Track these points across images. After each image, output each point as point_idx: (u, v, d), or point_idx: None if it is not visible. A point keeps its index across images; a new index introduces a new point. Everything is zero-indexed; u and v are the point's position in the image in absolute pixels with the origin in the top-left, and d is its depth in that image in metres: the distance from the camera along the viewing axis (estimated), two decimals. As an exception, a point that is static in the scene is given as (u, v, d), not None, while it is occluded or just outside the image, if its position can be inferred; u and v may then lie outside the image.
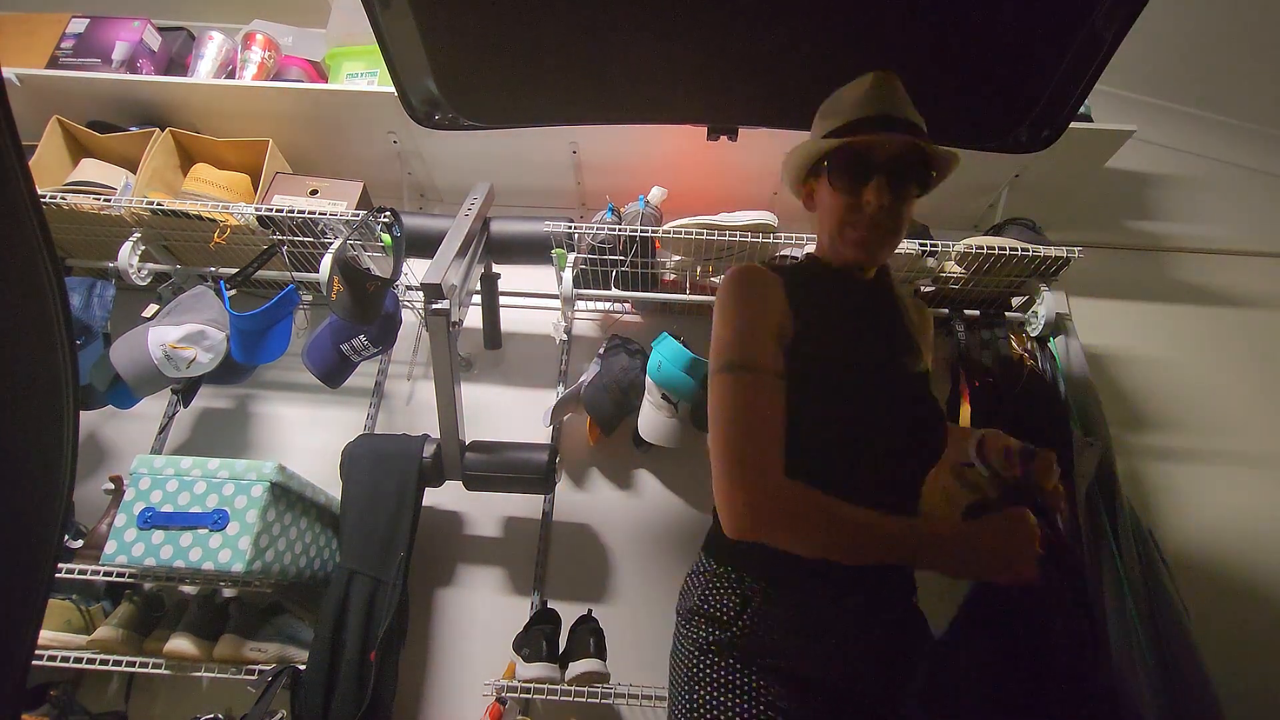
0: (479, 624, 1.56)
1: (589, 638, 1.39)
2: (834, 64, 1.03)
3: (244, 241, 1.66)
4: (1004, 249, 1.53)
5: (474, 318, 1.57)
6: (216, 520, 1.24)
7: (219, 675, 1.36)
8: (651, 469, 1.71)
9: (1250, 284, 1.94)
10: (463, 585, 1.61)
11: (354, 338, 1.50)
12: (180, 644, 1.33)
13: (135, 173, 1.67)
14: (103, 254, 1.68)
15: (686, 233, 1.55)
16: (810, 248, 1.27)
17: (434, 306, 1.28)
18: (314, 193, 1.71)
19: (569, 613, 1.48)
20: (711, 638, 0.82)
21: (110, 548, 1.22)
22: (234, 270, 1.65)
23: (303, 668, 1.33)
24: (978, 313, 1.71)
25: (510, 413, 1.77)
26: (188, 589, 1.53)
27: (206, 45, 1.87)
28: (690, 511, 1.67)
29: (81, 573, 1.41)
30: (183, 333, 1.48)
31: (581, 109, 1.17)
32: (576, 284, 1.66)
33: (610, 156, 1.84)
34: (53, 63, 1.81)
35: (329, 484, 1.49)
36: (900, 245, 1.53)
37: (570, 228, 1.61)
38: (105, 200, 1.58)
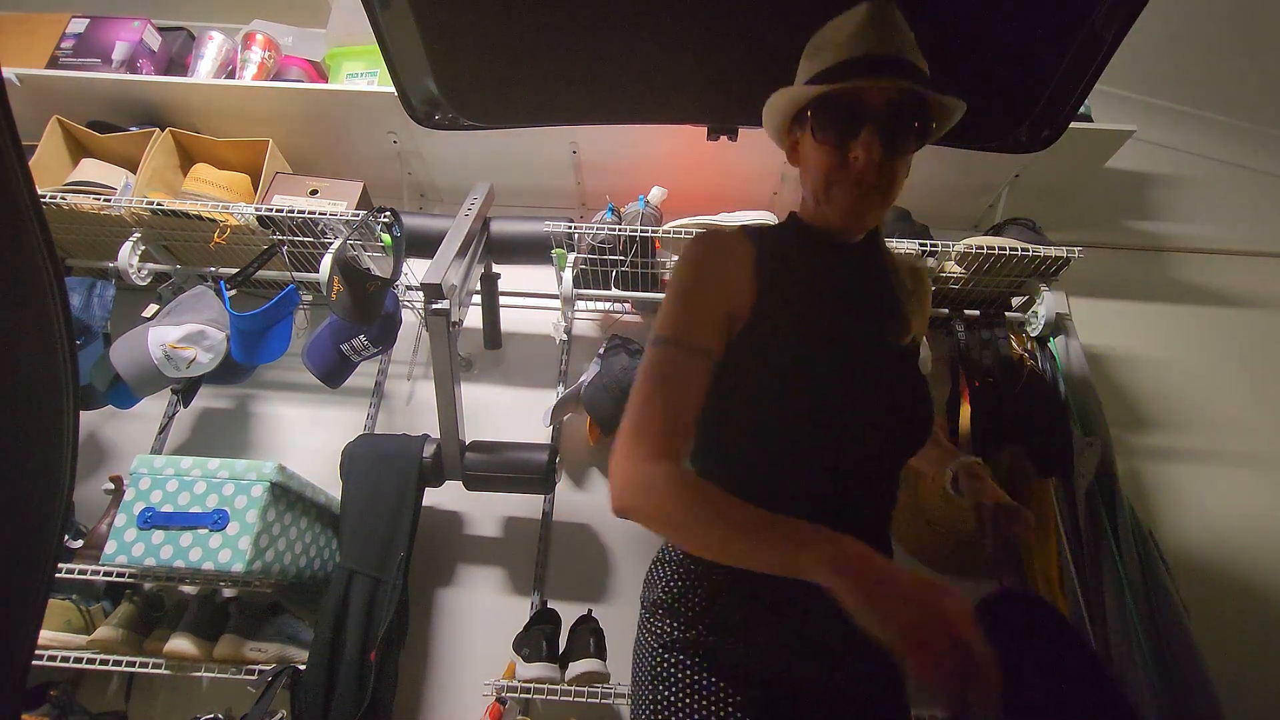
0: (479, 624, 1.56)
1: (589, 638, 1.39)
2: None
3: (244, 241, 1.66)
4: (1004, 249, 1.53)
5: (474, 318, 1.58)
6: (216, 520, 1.24)
7: (219, 675, 1.36)
8: (651, 469, 1.71)
9: (1250, 284, 1.94)
10: (463, 585, 1.61)
11: (354, 338, 1.50)
12: (180, 644, 1.33)
13: (135, 173, 1.67)
14: (103, 254, 1.68)
15: (686, 233, 1.55)
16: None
17: (434, 306, 1.28)
18: (314, 193, 1.71)
19: (569, 613, 1.48)
20: (675, 635, 0.77)
21: (110, 548, 1.22)
22: (234, 270, 1.65)
23: (303, 668, 1.33)
24: (978, 313, 1.71)
25: (510, 413, 1.77)
26: (188, 589, 1.53)
27: (206, 45, 1.87)
28: (690, 511, 1.67)
29: (81, 573, 1.41)
30: (183, 333, 1.48)
31: (581, 109, 1.17)
32: (576, 284, 1.66)
33: (610, 156, 1.84)
34: (53, 63, 1.81)
35: (329, 484, 1.49)
36: (900, 245, 1.54)
37: (570, 228, 1.61)
38: (105, 200, 1.58)
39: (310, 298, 1.86)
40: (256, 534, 1.24)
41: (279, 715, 1.31)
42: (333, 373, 1.52)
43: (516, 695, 1.41)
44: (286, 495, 1.34)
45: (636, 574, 1.61)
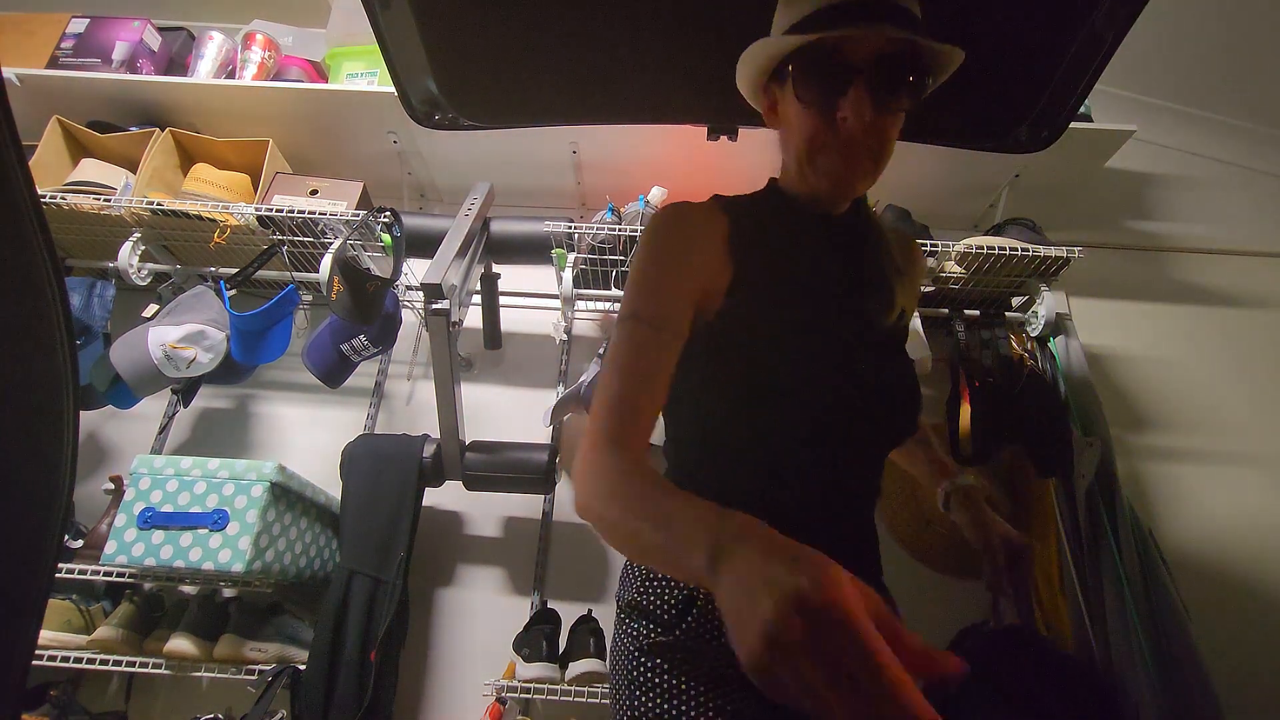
0: (479, 624, 1.56)
1: (589, 638, 1.39)
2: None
3: (244, 241, 1.66)
4: (1004, 249, 1.53)
5: (474, 318, 1.58)
6: (216, 520, 1.24)
7: (219, 675, 1.36)
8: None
9: (1250, 284, 1.94)
10: (463, 585, 1.61)
11: (354, 338, 1.50)
12: (180, 644, 1.33)
13: (135, 173, 1.67)
14: (103, 254, 1.68)
15: (686, 233, 1.55)
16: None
17: (434, 306, 1.28)
18: (314, 193, 1.71)
19: (569, 613, 1.48)
20: (652, 638, 0.72)
21: (110, 548, 1.22)
22: (234, 270, 1.64)
23: (303, 668, 1.33)
24: (978, 313, 1.71)
25: (510, 413, 1.77)
26: (188, 589, 1.53)
27: (206, 45, 1.87)
28: (690, 511, 1.67)
29: (81, 573, 1.41)
30: (183, 333, 1.48)
31: (581, 109, 1.17)
32: (576, 284, 1.66)
33: (610, 156, 1.84)
34: (53, 63, 1.81)
35: (329, 484, 1.49)
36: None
37: (570, 228, 1.61)
38: (105, 200, 1.58)
39: (310, 298, 1.86)
40: (256, 534, 1.24)
41: (279, 715, 1.31)
42: (333, 373, 1.52)
43: (516, 695, 1.41)
44: (286, 495, 1.34)
45: (636, 574, 1.61)
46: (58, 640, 1.37)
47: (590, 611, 1.47)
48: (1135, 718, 1.27)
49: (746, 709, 0.67)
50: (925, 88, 0.71)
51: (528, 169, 1.89)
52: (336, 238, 1.61)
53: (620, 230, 1.59)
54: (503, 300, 1.68)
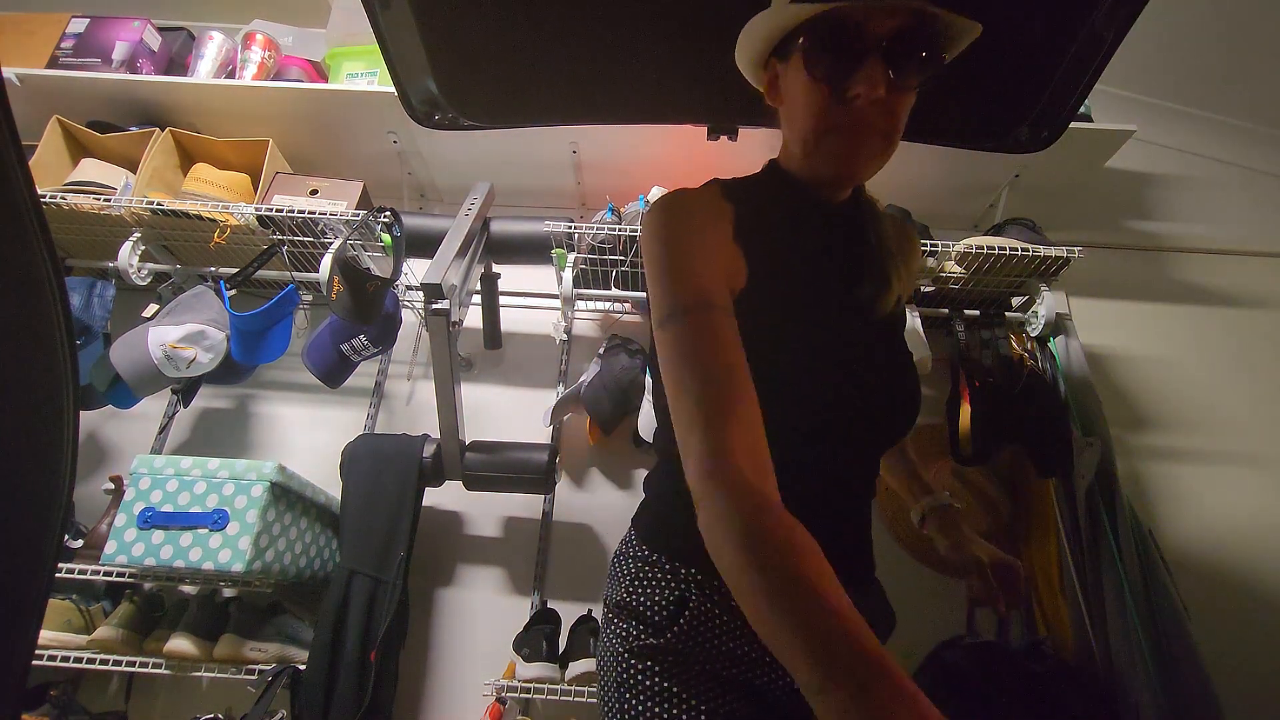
0: (479, 624, 1.56)
1: (589, 638, 1.39)
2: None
3: (244, 241, 1.65)
4: (1004, 249, 1.53)
5: (474, 318, 1.58)
6: (216, 520, 1.24)
7: (219, 675, 1.36)
8: (650, 469, 1.71)
9: (1250, 284, 1.94)
10: (463, 585, 1.61)
11: (354, 338, 1.50)
12: (180, 644, 1.33)
13: (135, 173, 1.67)
14: (103, 254, 1.68)
15: (686, 233, 1.55)
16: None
17: (434, 306, 1.28)
18: (314, 193, 1.71)
19: (569, 613, 1.48)
20: (643, 640, 0.69)
21: (110, 548, 1.22)
22: (234, 270, 1.64)
23: (303, 668, 1.33)
24: (978, 313, 1.71)
25: (510, 413, 1.77)
26: (188, 589, 1.53)
27: (206, 45, 1.87)
28: (690, 511, 1.67)
29: (81, 573, 1.41)
30: (183, 333, 1.48)
31: (581, 109, 1.17)
32: (576, 284, 1.66)
33: (610, 156, 1.84)
34: (53, 63, 1.81)
35: (329, 484, 1.49)
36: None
37: (570, 228, 1.61)
38: (105, 200, 1.58)
39: (310, 298, 1.86)
40: (256, 534, 1.24)
41: (279, 715, 1.31)
42: (333, 373, 1.52)
43: (516, 695, 1.41)
44: (286, 495, 1.34)
45: (636, 574, 1.61)
46: (58, 640, 1.37)
47: (590, 611, 1.47)
48: (1135, 718, 1.27)
49: (738, 713, 0.66)
50: (940, 64, 0.67)
51: (528, 169, 1.89)
52: (336, 238, 1.61)
53: (620, 230, 1.60)
54: (503, 300, 1.68)
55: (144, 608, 1.43)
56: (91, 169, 1.68)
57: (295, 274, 1.65)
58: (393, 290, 1.54)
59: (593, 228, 1.62)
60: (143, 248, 1.64)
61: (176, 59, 1.95)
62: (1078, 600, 1.46)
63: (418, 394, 1.82)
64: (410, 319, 1.78)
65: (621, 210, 1.67)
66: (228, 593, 1.51)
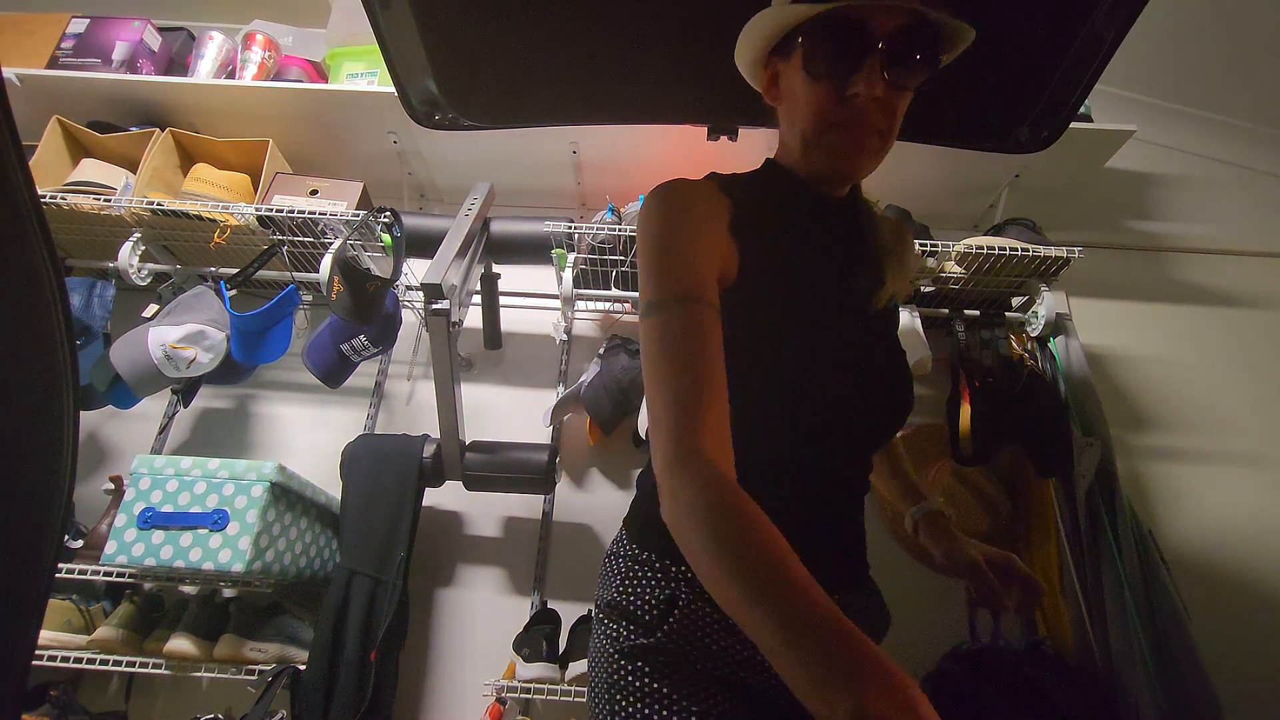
0: (479, 624, 1.56)
1: (589, 638, 1.39)
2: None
3: (244, 241, 1.66)
4: (1004, 249, 1.53)
5: (474, 318, 1.58)
6: (216, 520, 1.24)
7: (219, 675, 1.36)
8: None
9: (1250, 284, 1.94)
10: (463, 585, 1.61)
11: (354, 338, 1.50)
12: (180, 644, 1.33)
13: (135, 173, 1.67)
14: (103, 254, 1.68)
15: (686, 233, 1.55)
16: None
17: (434, 306, 1.28)
18: (314, 193, 1.71)
19: (569, 613, 1.48)
20: (633, 640, 0.68)
21: (110, 548, 1.22)
22: (234, 270, 1.65)
23: (303, 668, 1.33)
24: (978, 313, 1.71)
25: (510, 413, 1.77)
26: (188, 589, 1.53)
27: (206, 45, 1.87)
28: (690, 511, 1.67)
29: (81, 573, 1.41)
30: (183, 333, 1.48)
31: (582, 109, 1.17)
32: (576, 284, 1.66)
33: (610, 156, 1.84)
34: (53, 63, 1.81)
35: (329, 484, 1.49)
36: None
37: (570, 228, 1.61)
38: (105, 200, 1.58)
39: (310, 298, 1.86)
40: (256, 534, 1.24)
41: (279, 715, 1.31)
42: (333, 373, 1.52)
43: (516, 695, 1.41)
44: (286, 495, 1.34)
45: (636, 574, 1.61)
46: (58, 640, 1.37)
47: (590, 611, 1.47)
48: (1135, 718, 1.27)
49: (730, 713, 0.65)
50: (937, 66, 0.69)
51: (528, 169, 1.89)
52: (336, 238, 1.61)
53: (620, 230, 1.60)
54: (503, 300, 1.68)
55: (144, 608, 1.43)
56: (91, 169, 1.68)
57: (295, 274, 1.65)
58: (393, 290, 1.54)
59: (593, 228, 1.62)
60: (143, 248, 1.64)
61: (176, 59, 1.95)
62: (1078, 600, 1.46)
63: (418, 394, 1.82)
64: (410, 319, 1.78)
65: (621, 210, 1.67)
66: (228, 593, 1.51)
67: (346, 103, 1.76)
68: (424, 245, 1.56)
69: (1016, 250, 1.53)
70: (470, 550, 1.64)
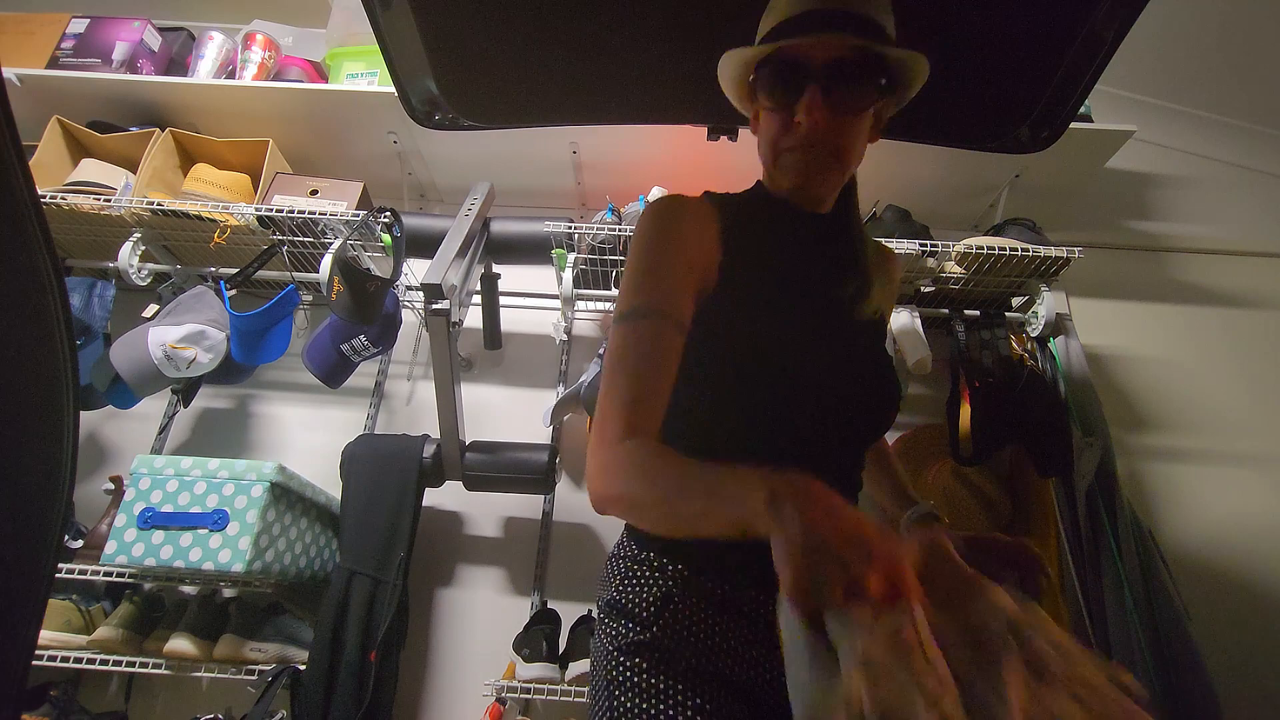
0: (479, 624, 1.56)
1: (589, 638, 1.38)
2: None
3: (244, 241, 1.65)
4: (1004, 249, 1.53)
5: (474, 318, 1.58)
6: (216, 520, 1.24)
7: (219, 675, 1.36)
8: (651, 469, 1.71)
9: (1250, 284, 1.94)
10: (463, 585, 1.61)
11: (354, 338, 1.50)
12: (180, 644, 1.33)
13: (135, 173, 1.67)
14: (103, 254, 1.68)
15: (686, 233, 1.55)
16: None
17: (434, 306, 1.28)
18: (314, 193, 1.71)
19: (569, 613, 1.48)
20: (630, 637, 0.71)
21: (110, 548, 1.22)
22: (234, 270, 1.64)
23: (303, 668, 1.33)
24: (978, 313, 1.70)
25: (510, 413, 1.77)
26: (188, 589, 1.53)
27: (206, 45, 1.87)
28: (690, 511, 1.67)
29: (81, 573, 1.41)
30: (183, 333, 1.48)
31: (582, 109, 1.17)
32: (576, 284, 1.66)
33: (610, 156, 1.84)
34: (53, 63, 1.81)
35: (329, 484, 1.49)
36: (900, 246, 1.54)
37: (570, 228, 1.61)
38: (105, 200, 1.58)
39: (310, 298, 1.86)
40: (256, 534, 1.24)
41: (279, 715, 1.31)
42: (333, 373, 1.52)
43: (516, 695, 1.41)
44: (286, 495, 1.34)
45: (636, 574, 1.61)
46: (58, 640, 1.37)
47: (590, 611, 1.47)
48: (1135, 718, 1.27)
49: (724, 707, 0.67)
50: (888, 91, 0.75)
51: (528, 169, 1.89)
52: (336, 238, 1.61)
53: (620, 230, 1.59)
54: (503, 300, 1.68)
55: (144, 608, 1.43)
56: (91, 169, 1.68)
57: (295, 274, 1.65)
58: (393, 290, 1.54)
59: (593, 228, 1.62)
60: (143, 248, 1.63)
61: (176, 59, 1.95)
62: (1078, 600, 1.46)
63: (418, 394, 1.82)
64: (410, 319, 1.78)
65: (621, 210, 1.67)
66: (228, 593, 1.51)
67: (346, 103, 1.76)
68: (424, 245, 1.56)
69: (1016, 250, 1.53)
70: (470, 550, 1.64)
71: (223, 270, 1.69)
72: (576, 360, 1.83)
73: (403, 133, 1.81)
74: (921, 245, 1.55)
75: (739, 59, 0.77)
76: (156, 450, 1.73)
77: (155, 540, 1.22)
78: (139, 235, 1.62)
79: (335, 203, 1.69)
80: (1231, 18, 1.81)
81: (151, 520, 1.24)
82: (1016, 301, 1.74)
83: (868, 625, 0.42)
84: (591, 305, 1.87)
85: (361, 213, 1.59)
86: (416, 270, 1.74)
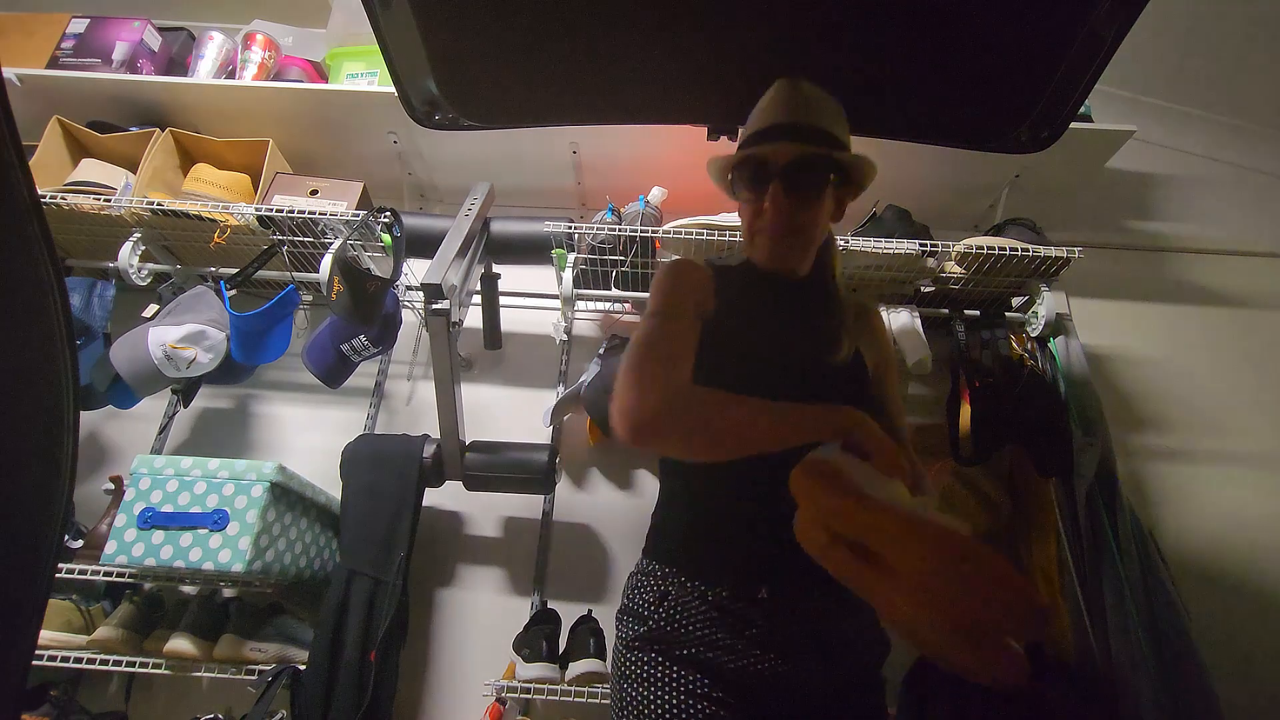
0: (479, 624, 1.56)
1: (589, 638, 1.39)
2: (834, 63, 1.03)
3: (244, 241, 1.65)
4: (1004, 249, 1.53)
5: (474, 318, 1.58)
6: (216, 520, 1.24)
7: (219, 675, 1.36)
8: (651, 469, 1.71)
9: (1250, 284, 1.94)
10: (463, 585, 1.61)
11: (354, 338, 1.50)
12: (180, 644, 1.33)
13: (135, 173, 1.67)
14: (103, 254, 1.68)
15: (686, 233, 1.55)
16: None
17: (434, 306, 1.28)
18: (314, 193, 1.71)
19: (569, 613, 1.48)
20: (634, 633, 0.85)
21: (110, 548, 1.22)
22: (234, 270, 1.64)
23: (303, 668, 1.33)
24: (978, 313, 1.71)
25: (510, 413, 1.77)
26: (188, 589, 1.53)
27: (206, 45, 1.87)
28: (690, 511, 1.67)
29: (81, 573, 1.41)
30: (183, 333, 1.48)
31: (582, 109, 1.17)
32: (576, 284, 1.66)
33: (610, 156, 1.84)
34: (53, 63, 1.81)
35: (329, 484, 1.49)
36: (900, 246, 1.54)
37: (570, 228, 1.61)
38: (105, 200, 1.58)
39: (310, 298, 1.86)
40: (256, 534, 1.24)
41: (279, 715, 1.31)
42: (333, 373, 1.52)
43: (516, 695, 1.41)
44: (286, 495, 1.34)
45: (636, 574, 1.61)
46: (58, 640, 1.37)
47: (590, 611, 1.47)
48: (1135, 718, 1.27)
49: (716, 692, 0.79)
50: (842, 183, 0.92)
51: (528, 169, 1.89)
52: (336, 238, 1.61)
53: (620, 230, 1.59)
54: (503, 300, 1.68)
55: (144, 608, 1.43)
56: (91, 169, 1.68)
57: (295, 274, 1.65)
58: (393, 290, 1.54)
59: (593, 228, 1.62)
60: (143, 248, 1.63)
61: (177, 59, 1.95)
62: (1078, 600, 1.46)
63: (418, 394, 1.82)
64: (410, 319, 1.78)
65: (621, 210, 1.67)
66: (228, 593, 1.51)
67: (346, 103, 1.76)
68: (424, 245, 1.56)
69: (1016, 250, 1.52)
70: (470, 550, 1.64)
71: (223, 270, 1.69)
72: (576, 360, 1.83)
73: (403, 133, 1.81)
74: (921, 245, 1.55)
75: (721, 162, 0.95)
76: (156, 450, 1.73)
77: (155, 540, 1.22)
78: (139, 235, 1.62)
79: (335, 203, 1.69)
80: (1231, 18, 1.81)
81: (151, 520, 1.24)
82: (1016, 301, 1.74)
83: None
84: (591, 305, 1.87)
85: (361, 213, 1.59)
86: (416, 270, 1.74)
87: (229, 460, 1.30)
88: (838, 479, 0.62)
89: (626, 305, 1.88)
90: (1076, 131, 1.50)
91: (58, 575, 1.12)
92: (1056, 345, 1.67)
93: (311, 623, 1.44)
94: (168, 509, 1.25)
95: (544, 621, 1.44)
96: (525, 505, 1.66)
